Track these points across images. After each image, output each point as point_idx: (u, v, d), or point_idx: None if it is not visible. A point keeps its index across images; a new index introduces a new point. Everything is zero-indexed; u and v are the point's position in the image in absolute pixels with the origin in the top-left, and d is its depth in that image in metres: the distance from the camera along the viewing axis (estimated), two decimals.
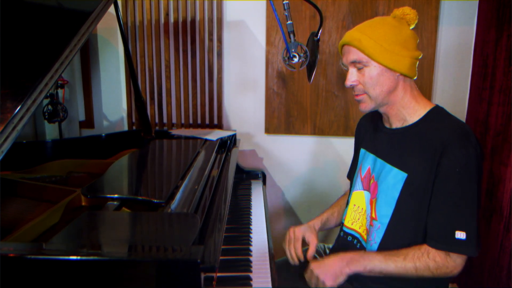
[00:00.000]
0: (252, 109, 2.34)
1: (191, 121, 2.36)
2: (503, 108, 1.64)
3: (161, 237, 0.87)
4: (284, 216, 2.43)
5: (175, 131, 2.11)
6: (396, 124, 1.20)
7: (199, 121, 2.36)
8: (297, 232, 1.29)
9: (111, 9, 1.55)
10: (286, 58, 1.37)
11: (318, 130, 2.30)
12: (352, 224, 1.29)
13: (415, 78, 1.16)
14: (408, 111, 1.16)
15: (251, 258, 1.20)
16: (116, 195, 1.07)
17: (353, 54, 1.12)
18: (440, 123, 1.11)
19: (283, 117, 2.31)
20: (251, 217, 1.58)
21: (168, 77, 2.31)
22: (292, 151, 2.37)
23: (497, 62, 1.71)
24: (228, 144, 1.98)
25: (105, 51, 2.38)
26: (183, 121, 2.36)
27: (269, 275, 1.12)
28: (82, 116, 2.41)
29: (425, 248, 1.08)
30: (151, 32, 2.27)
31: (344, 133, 2.28)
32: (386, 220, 1.15)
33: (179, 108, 2.34)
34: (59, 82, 2.08)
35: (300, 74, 2.23)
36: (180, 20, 2.25)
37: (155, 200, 1.04)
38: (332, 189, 2.32)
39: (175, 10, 2.24)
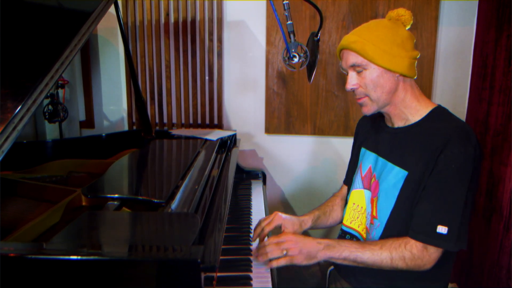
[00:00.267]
0: (252, 109, 2.34)
1: (191, 121, 2.36)
2: (503, 108, 1.64)
3: (162, 237, 0.87)
4: None
5: (175, 131, 2.11)
6: (398, 123, 1.21)
7: (199, 121, 2.36)
8: (277, 220, 1.26)
9: (112, 9, 1.55)
10: (286, 58, 1.37)
11: (318, 130, 2.30)
12: (351, 223, 1.29)
13: (415, 77, 1.16)
14: (410, 110, 1.17)
15: (252, 258, 1.20)
16: (116, 195, 1.07)
17: (352, 58, 1.13)
18: (442, 122, 1.12)
19: (283, 117, 2.31)
20: (251, 217, 1.58)
21: (168, 77, 2.32)
22: (292, 151, 2.37)
23: (497, 62, 1.72)
24: (228, 144, 1.98)
25: (106, 51, 2.38)
26: (183, 121, 2.36)
27: (269, 275, 1.12)
28: (82, 116, 2.42)
29: (404, 238, 1.08)
30: (151, 32, 2.27)
31: (344, 133, 2.29)
32: (386, 219, 1.16)
33: (179, 108, 2.34)
34: (60, 82, 2.09)
35: (300, 74, 2.24)
36: (180, 20, 2.25)
37: (156, 200, 1.04)
38: (332, 189, 2.32)
39: (175, 10, 2.24)
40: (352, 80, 1.15)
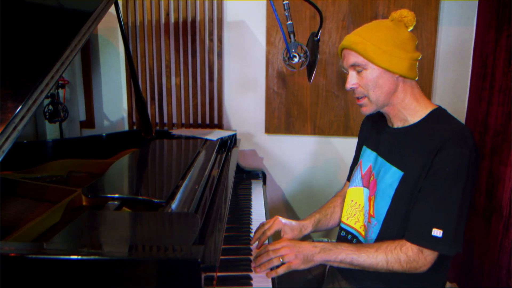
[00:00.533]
0: (252, 109, 2.34)
1: (191, 121, 2.37)
2: (503, 108, 1.64)
3: (162, 237, 0.87)
4: (284, 215, 2.41)
5: (175, 131, 2.11)
6: (398, 124, 1.21)
7: (199, 121, 2.36)
8: (277, 224, 1.26)
9: (112, 9, 1.55)
10: (286, 58, 1.37)
11: (318, 130, 2.31)
12: (347, 220, 1.30)
13: (416, 79, 1.16)
14: (409, 112, 1.17)
15: (252, 258, 1.20)
16: (116, 195, 1.07)
17: (353, 58, 1.14)
18: (440, 124, 1.12)
19: (283, 117, 2.31)
20: (251, 216, 1.58)
21: (168, 77, 2.32)
22: (292, 151, 2.37)
23: (497, 62, 1.72)
24: (229, 144, 1.98)
25: (106, 51, 2.38)
26: (183, 121, 2.36)
27: None
28: (82, 116, 2.42)
29: (399, 241, 1.09)
30: (152, 32, 2.28)
31: (344, 133, 2.29)
32: (382, 218, 1.16)
33: (180, 108, 2.35)
34: (60, 82, 2.09)
35: (300, 74, 2.24)
36: (181, 20, 2.25)
37: (156, 200, 1.04)
38: (332, 189, 2.32)
39: (176, 10, 2.24)
40: (352, 79, 1.16)
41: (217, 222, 1.13)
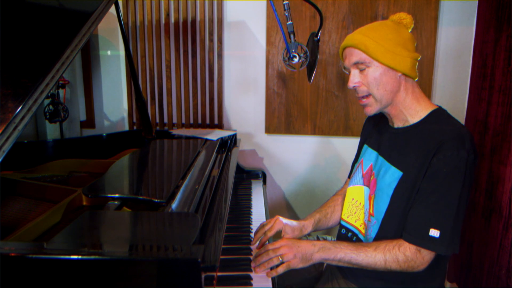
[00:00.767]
0: (253, 109, 2.34)
1: (191, 121, 2.37)
2: (502, 108, 1.64)
3: (162, 237, 0.87)
4: (284, 215, 2.42)
5: (175, 131, 2.12)
6: (398, 124, 1.22)
7: (199, 121, 2.37)
8: (278, 225, 1.26)
9: (112, 9, 1.56)
10: (286, 58, 1.38)
11: (318, 130, 2.31)
12: (348, 217, 1.31)
13: (416, 79, 1.17)
14: (409, 112, 1.18)
15: (252, 258, 1.20)
16: (117, 195, 1.07)
17: (356, 56, 1.14)
18: (439, 125, 1.12)
19: (283, 117, 2.32)
20: (252, 216, 1.58)
21: (168, 77, 2.32)
22: (292, 151, 2.37)
23: (497, 62, 1.72)
24: (229, 144, 1.98)
25: (106, 51, 2.38)
26: (183, 121, 2.37)
27: None
28: (83, 116, 2.42)
29: (397, 241, 1.09)
30: (152, 32, 2.28)
31: (344, 133, 2.29)
32: (381, 217, 1.17)
33: (180, 108, 2.35)
34: (60, 82, 2.09)
35: (300, 74, 2.24)
36: (181, 20, 2.25)
37: (156, 200, 1.04)
38: (333, 189, 2.32)
39: (176, 10, 2.25)
40: (355, 78, 1.16)
41: (217, 222, 1.13)
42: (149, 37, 2.28)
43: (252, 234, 1.39)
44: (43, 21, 1.22)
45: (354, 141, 1.45)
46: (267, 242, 1.25)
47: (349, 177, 1.46)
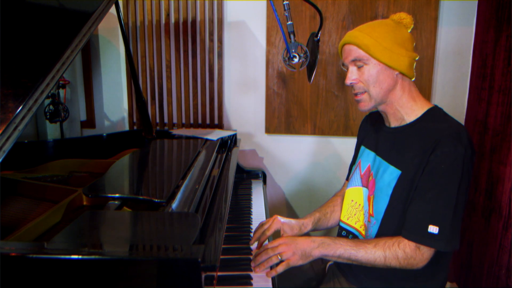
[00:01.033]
0: (253, 109, 2.35)
1: (191, 121, 2.37)
2: (502, 108, 1.65)
3: (162, 237, 0.87)
4: (284, 215, 2.42)
5: (176, 131, 2.12)
6: (394, 123, 1.22)
7: (199, 121, 2.37)
8: (276, 224, 1.25)
9: (112, 9, 1.56)
10: (286, 58, 1.38)
11: (318, 130, 2.31)
12: (347, 219, 1.31)
13: (413, 79, 1.17)
14: (405, 110, 1.18)
15: (252, 257, 1.20)
16: (117, 195, 1.07)
17: (354, 53, 1.15)
18: (436, 123, 1.13)
19: (283, 117, 2.32)
20: (252, 216, 1.58)
21: (169, 77, 2.32)
22: (292, 151, 2.37)
23: (496, 62, 1.72)
24: (229, 144, 1.99)
25: (106, 52, 2.39)
26: (183, 121, 2.37)
27: None
28: (83, 116, 2.42)
29: (397, 238, 1.09)
30: (152, 33, 2.28)
31: (344, 133, 2.29)
32: (381, 217, 1.17)
33: (180, 108, 2.35)
34: (61, 82, 2.09)
35: (300, 74, 2.24)
36: (181, 20, 2.26)
37: (156, 200, 1.04)
38: (332, 189, 2.33)
39: (176, 10, 2.25)
40: (352, 74, 1.17)
41: (218, 221, 1.13)
42: (149, 37, 2.29)
43: (252, 234, 1.39)
44: (43, 21, 1.23)
45: (354, 141, 1.46)
46: (266, 241, 1.25)
47: (347, 179, 1.46)
